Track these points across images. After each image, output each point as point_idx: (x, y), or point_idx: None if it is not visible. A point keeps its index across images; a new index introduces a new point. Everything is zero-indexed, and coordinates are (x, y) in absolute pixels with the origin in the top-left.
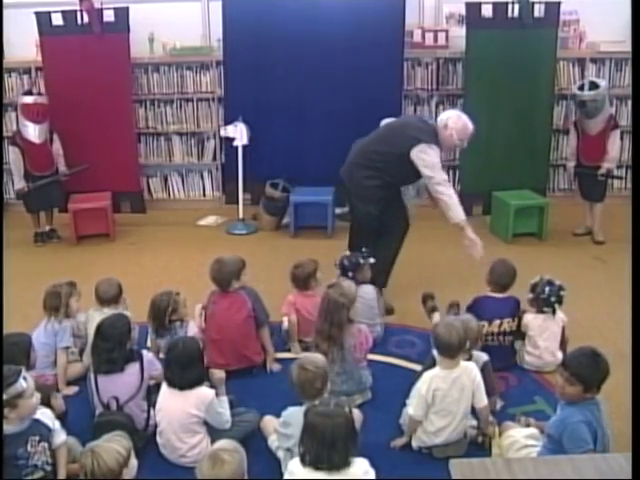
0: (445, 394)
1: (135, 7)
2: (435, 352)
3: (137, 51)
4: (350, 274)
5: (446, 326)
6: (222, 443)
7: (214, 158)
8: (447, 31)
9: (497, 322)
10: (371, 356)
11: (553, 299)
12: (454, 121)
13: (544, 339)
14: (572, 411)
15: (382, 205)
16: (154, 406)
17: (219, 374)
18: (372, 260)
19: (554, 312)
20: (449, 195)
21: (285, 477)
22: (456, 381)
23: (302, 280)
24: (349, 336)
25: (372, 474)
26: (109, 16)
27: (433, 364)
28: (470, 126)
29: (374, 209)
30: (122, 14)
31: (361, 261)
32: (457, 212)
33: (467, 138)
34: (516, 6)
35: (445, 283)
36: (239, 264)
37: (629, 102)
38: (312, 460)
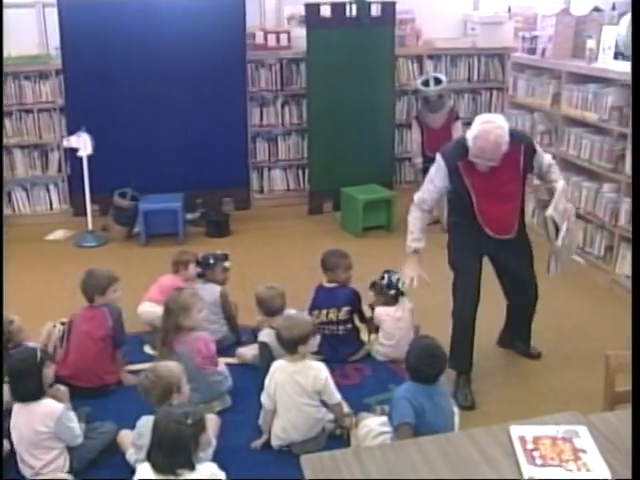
0: (283, 385)
1: None
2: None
3: None
4: (200, 270)
5: (284, 322)
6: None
7: (59, 170)
8: (289, 32)
9: (324, 312)
10: (226, 359)
11: (396, 285)
12: (469, 131)
13: (399, 329)
14: (401, 389)
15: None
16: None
17: (63, 387)
18: (227, 263)
19: (402, 295)
20: (409, 214)
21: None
22: (293, 375)
23: (173, 263)
24: (182, 343)
25: (221, 477)
26: None
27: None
28: (480, 142)
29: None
30: None
31: (211, 261)
32: (407, 241)
33: (481, 155)
34: (354, 6)
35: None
36: (104, 280)
37: (466, 95)
38: (148, 458)
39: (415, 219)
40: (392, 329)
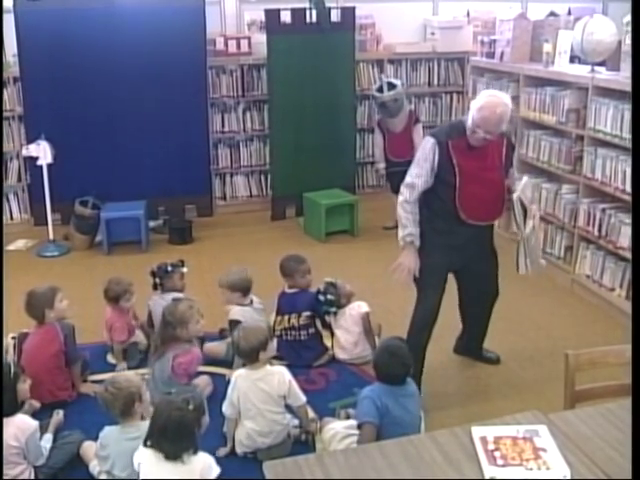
0: (246, 393)
1: None
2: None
3: None
4: (158, 280)
5: (240, 333)
6: None
7: (19, 179)
8: (249, 38)
9: (286, 317)
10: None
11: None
12: (474, 102)
13: (339, 327)
14: (367, 389)
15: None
16: None
17: (60, 416)
18: (184, 269)
19: (335, 314)
20: (399, 208)
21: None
22: (257, 383)
23: (112, 298)
24: (171, 351)
25: (215, 472)
26: None
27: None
28: (487, 112)
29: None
30: None
31: (169, 269)
32: (399, 231)
33: (483, 125)
34: (314, 12)
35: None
36: (48, 293)
37: (427, 99)
38: (152, 442)
39: (407, 213)
40: (338, 331)
